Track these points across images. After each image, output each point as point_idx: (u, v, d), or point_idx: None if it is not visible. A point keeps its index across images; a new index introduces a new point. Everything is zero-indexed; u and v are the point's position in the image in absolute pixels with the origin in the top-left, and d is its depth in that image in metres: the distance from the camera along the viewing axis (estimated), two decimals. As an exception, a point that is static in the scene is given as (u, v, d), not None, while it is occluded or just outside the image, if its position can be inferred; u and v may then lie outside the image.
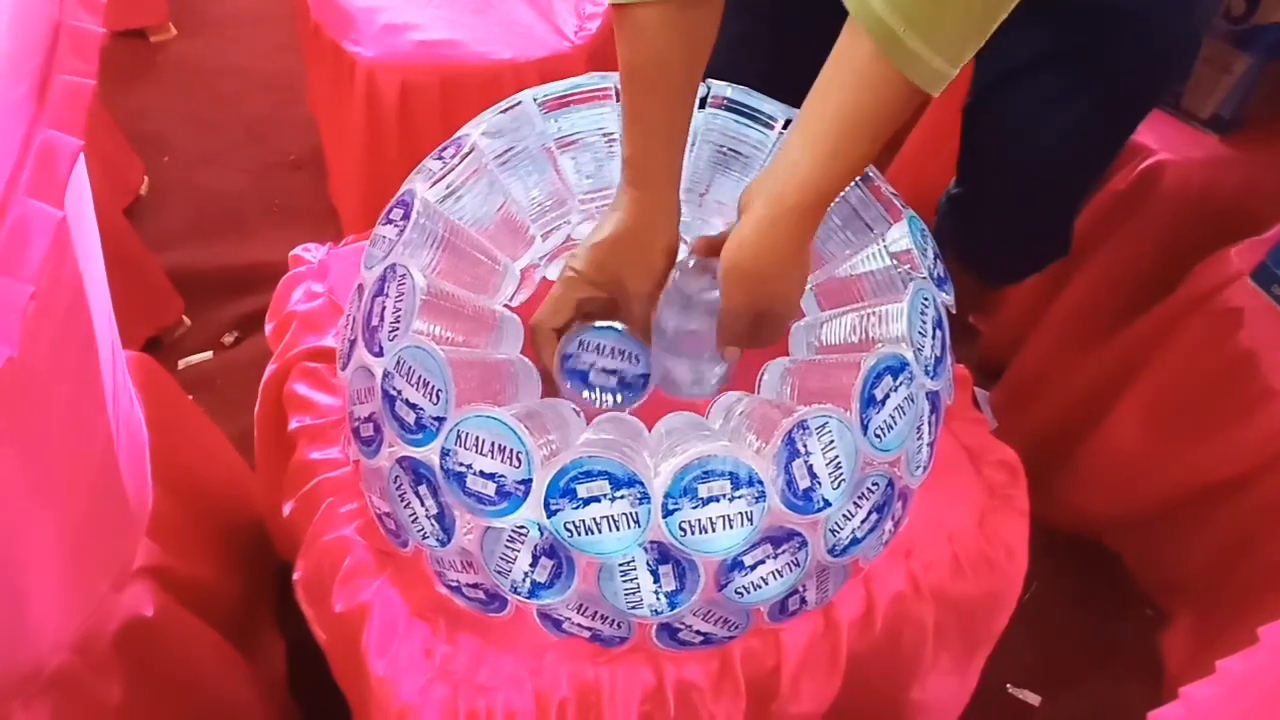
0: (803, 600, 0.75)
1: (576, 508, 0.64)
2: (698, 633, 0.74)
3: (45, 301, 0.45)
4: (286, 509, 0.91)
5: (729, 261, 0.70)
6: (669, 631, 0.73)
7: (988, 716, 1.22)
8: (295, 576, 0.88)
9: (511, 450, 0.65)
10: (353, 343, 0.76)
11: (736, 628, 0.75)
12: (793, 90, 0.74)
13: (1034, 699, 1.31)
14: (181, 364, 1.65)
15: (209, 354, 1.68)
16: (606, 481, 0.64)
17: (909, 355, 0.71)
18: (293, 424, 0.91)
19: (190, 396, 1.21)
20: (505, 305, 0.82)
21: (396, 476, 0.71)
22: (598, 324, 0.78)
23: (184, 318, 1.70)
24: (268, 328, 1.00)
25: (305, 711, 1.17)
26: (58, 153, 0.43)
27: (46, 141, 0.43)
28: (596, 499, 0.64)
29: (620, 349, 0.79)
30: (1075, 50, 0.95)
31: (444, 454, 0.66)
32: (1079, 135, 1.01)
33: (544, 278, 0.90)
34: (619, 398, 0.79)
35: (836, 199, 0.72)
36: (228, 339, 1.70)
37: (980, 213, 1.14)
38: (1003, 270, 1.23)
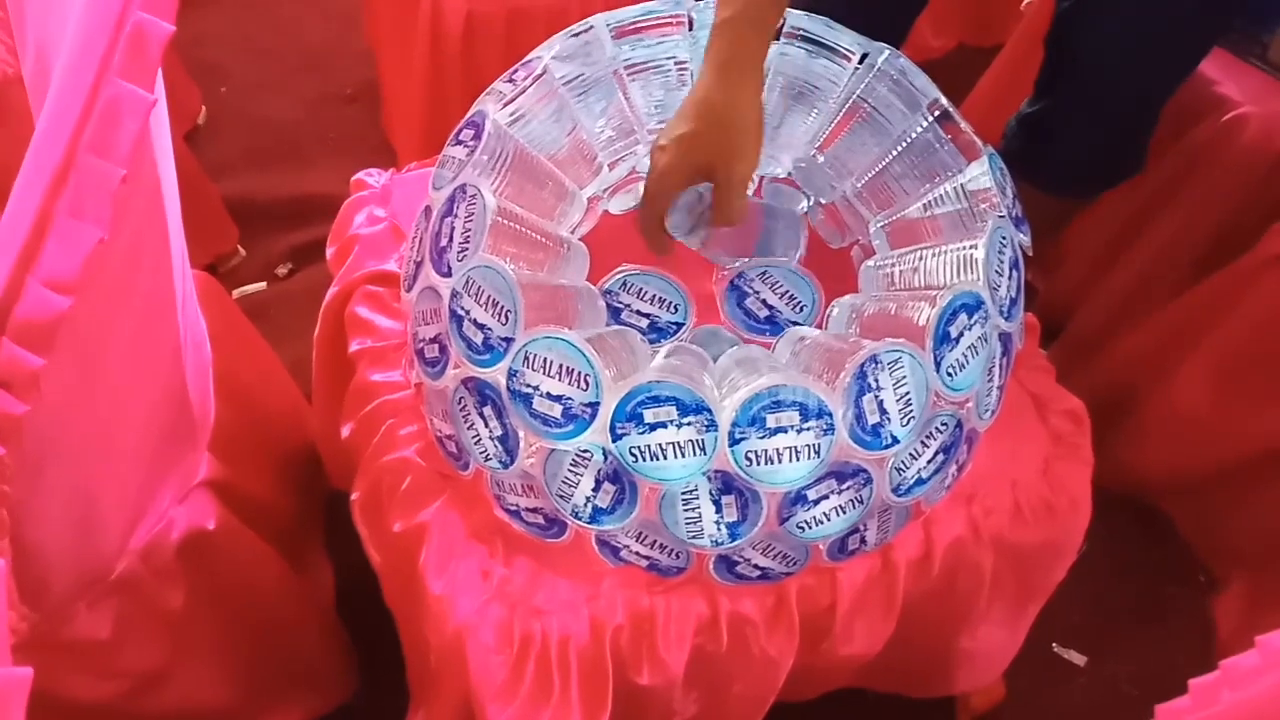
0: (862, 540, 0.75)
1: (643, 433, 0.64)
2: (756, 566, 0.73)
3: (129, 190, 0.45)
4: (345, 430, 0.91)
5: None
6: (727, 564, 0.73)
7: (1032, 673, 1.21)
8: (353, 497, 0.89)
9: (579, 373, 0.64)
10: (419, 264, 0.76)
11: (795, 564, 0.74)
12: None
13: (1079, 659, 1.29)
14: (236, 294, 1.66)
15: (263, 284, 1.69)
16: (674, 407, 0.64)
17: (985, 294, 0.70)
18: (353, 346, 0.91)
19: (247, 322, 1.23)
20: (571, 233, 0.82)
21: (461, 398, 0.70)
22: (644, 269, 0.80)
23: (239, 248, 1.71)
24: (329, 251, 1.00)
25: (351, 634, 1.18)
26: (149, 36, 0.43)
27: (139, 24, 0.43)
28: (663, 424, 0.64)
29: (661, 297, 0.82)
30: None
31: (511, 375, 0.66)
32: (1168, 41, 1.00)
33: (606, 211, 0.89)
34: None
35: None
36: (281, 270, 1.71)
37: (1057, 124, 1.11)
38: (1077, 184, 1.21)
